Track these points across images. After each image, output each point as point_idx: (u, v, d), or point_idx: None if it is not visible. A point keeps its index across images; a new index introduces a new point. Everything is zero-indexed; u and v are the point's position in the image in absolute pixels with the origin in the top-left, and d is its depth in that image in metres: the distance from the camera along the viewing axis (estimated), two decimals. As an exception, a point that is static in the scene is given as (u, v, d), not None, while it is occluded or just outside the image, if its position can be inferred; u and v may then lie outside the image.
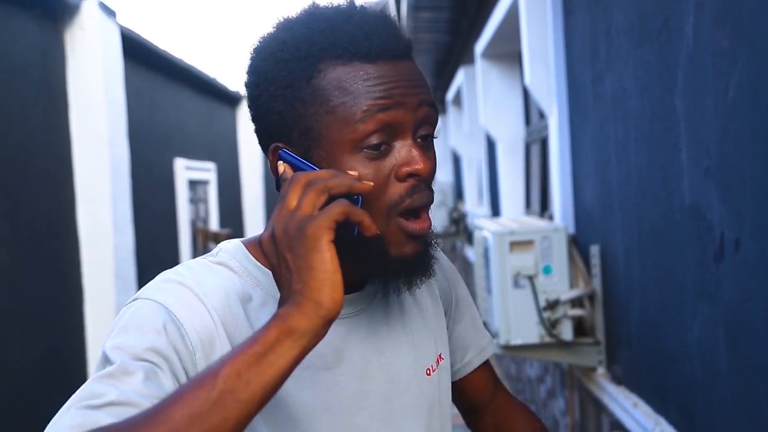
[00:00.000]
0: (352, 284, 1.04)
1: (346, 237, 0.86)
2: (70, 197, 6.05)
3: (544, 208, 5.03)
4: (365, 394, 1.03)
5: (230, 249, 1.03)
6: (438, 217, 10.26)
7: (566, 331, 3.01)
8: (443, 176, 13.80)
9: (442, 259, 1.27)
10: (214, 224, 10.66)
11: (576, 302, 3.03)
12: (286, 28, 0.98)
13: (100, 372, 0.85)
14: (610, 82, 2.72)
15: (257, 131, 1.02)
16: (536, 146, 5.36)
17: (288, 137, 0.96)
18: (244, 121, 12.86)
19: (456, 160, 11.34)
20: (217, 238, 10.01)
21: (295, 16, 0.99)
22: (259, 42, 1.00)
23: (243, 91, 1.03)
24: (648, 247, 2.41)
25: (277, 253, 0.84)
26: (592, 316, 3.01)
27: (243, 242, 1.05)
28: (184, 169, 9.12)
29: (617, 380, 2.85)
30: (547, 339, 3.01)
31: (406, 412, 1.07)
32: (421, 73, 0.99)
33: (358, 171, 0.91)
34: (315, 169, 0.92)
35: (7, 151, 5.19)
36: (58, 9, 5.99)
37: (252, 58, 1.00)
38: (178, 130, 9.17)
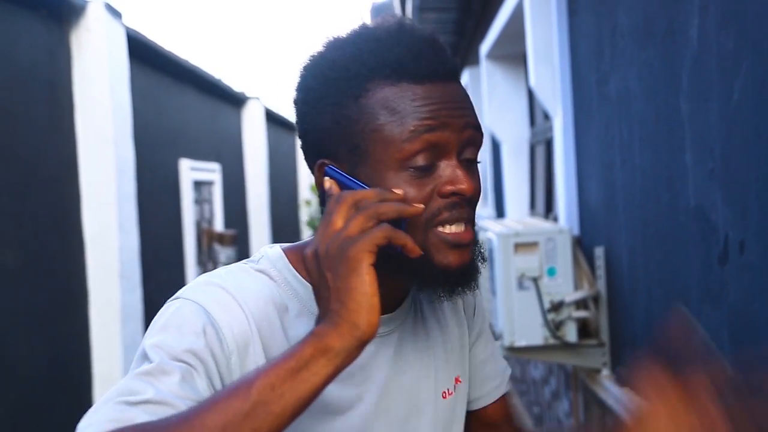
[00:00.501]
0: (386, 305, 1.04)
1: (389, 252, 0.87)
2: (75, 198, 6.06)
3: (549, 210, 5.03)
4: (385, 413, 1.05)
5: (272, 257, 1.05)
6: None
7: (570, 333, 3.01)
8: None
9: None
10: (218, 225, 10.67)
11: (580, 304, 3.03)
12: (336, 47, 0.99)
13: (139, 369, 0.87)
14: (614, 84, 2.72)
15: (304, 147, 1.03)
16: (541, 147, 5.36)
17: (334, 154, 0.97)
18: (249, 121, 12.88)
19: (461, 161, 11.31)
20: (222, 239, 10.02)
21: (345, 35, 1.01)
22: (309, 60, 1.01)
23: (292, 108, 1.05)
24: (652, 249, 2.41)
25: (318, 271, 0.85)
26: (596, 318, 3.01)
27: (285, 250, 1.06)
28: (189, 170, 9.13)
29: (621, 382, 2.85)
30: (552, 341, 3.01)
31: None
32: (467, 95, 1.00)
33: (403, 189, 0.92)
34: (362, 186, 0.93)
35: (12, 152, 5.20)
36: (64, 10, 6.01)
37: (302, 76, 1.01)
38: (183, 130, 9.18)
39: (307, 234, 17.14)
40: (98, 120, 6.14)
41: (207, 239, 9.94)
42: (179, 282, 8.58)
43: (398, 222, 0.89)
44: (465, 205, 0.96)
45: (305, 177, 17.87)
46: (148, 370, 0.86)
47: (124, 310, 6.21)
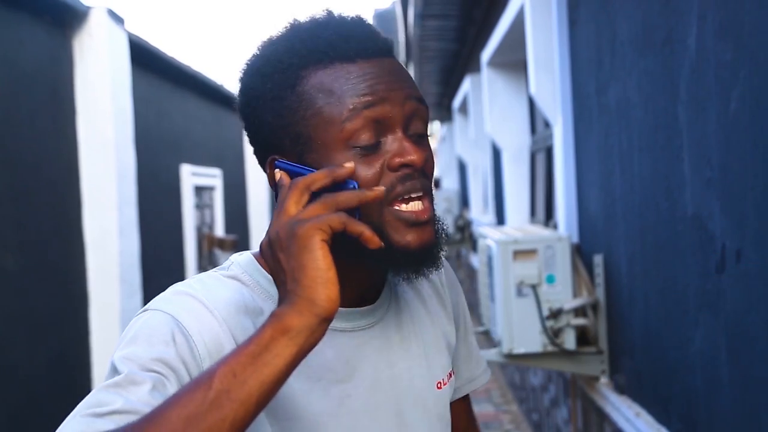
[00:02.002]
0: (365, 297, 1.05)
1: (346, 238, 0.85)
2: (76, 202, 6.07)
3: (549, 217, 5.04)
4: (376, 406, 1.03)
5: (242, 262, 1.03)
6: (443, 225, 10.23)
7: (569, 340, 3.02)
8: (449, 183, 13.80)
9: (450, 276, 1.25)
10: (219, 230, 10.68)
11: (579, 311, 3.03)
12: (269, 44, 1.00)
13: (107, 381, 0.85)
14: (614, 92, 2.73)
15: (255, 151, 1.02)
16: (541, 155, 5.37)
17: (281, 148, 0.97)
18: (251, 127, 12.88)
19: (462, 168, 11.34)
20: (223, 244, 10.02)
21: (276, 33, 1.01)
22: (246, 63, 1.02)
23: (238, 117, 1.05)
24: (650, 257, 2.42)
25: (273, 257, 0.84)
26: (595, 326, 3.02)
27: (254, 255, 1.05)
28: (190, 175, 9.14)
29: (620, 389, 2.85)
30: (550, 348, 3.02)
31: (417, 426, 1.07)
32: (405, 69, 1.00)
33: None
34: (311, 172, 0.92)
35: (14, 157, 5.21)
36: (66, 16, 6.03)
37: (240, 80, 1.02)
38: (185, 136, 9.19)
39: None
40: (100, 125, 6.15)
41: (208, 244, 9.94)
42: (179, 287, 8.57)
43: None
44: (419, 176, 0.95)
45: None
46: (116, 382, 0.84)
47: (124, 314, 6.21)
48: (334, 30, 0.96)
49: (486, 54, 5.99)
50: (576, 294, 3.06)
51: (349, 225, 0.82)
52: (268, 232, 0.87)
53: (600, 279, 2.99)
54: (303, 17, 1.02)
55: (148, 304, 0.97)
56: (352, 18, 1.00)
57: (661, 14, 2.20)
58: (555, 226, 4.23)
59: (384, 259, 0.94)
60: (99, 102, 6.14)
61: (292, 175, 0.94)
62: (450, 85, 10.90)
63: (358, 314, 1.03)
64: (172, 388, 0.86)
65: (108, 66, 6.18)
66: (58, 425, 0.82)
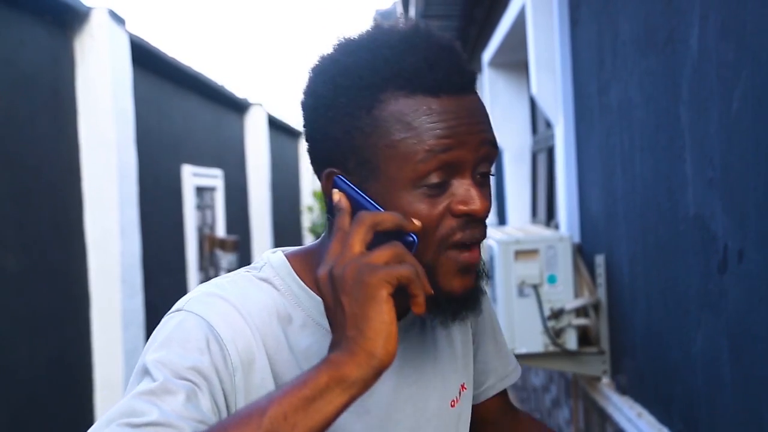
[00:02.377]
0: None
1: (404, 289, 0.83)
2: (77, 203, 6.08)
3: (551, 217, 5.03)
4: (394, 423, 1.03)
5: (275, 264, 1.01)
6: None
7: (571, 341, 3.01)
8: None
9: None
10: (220, 231, 10.68)
11: (581, 311, 3.03)
12: (348, 52, 0.95)
13: (142, 388, 0.84)
14: (615, 92, 2.73)
15: (311, 152, 0.99)
16: (543, 155, 5.37)
17: (344, 164, 0.93)
18: (252, 127, 12.90)
19: (463, 169, 11.33)
20: (224, 245, 10.02)
21: (357, 38, 0.96)
22: (319, 62, 0.97)
23: (299, 112, 1.01)
24: (652, 257, 2.42)
25: (333, 295, 0.82)
26: (596, 326, 3.01)
27: (288, 256, 1.03)
28: (192, 176, 9.14)
29: (621, 390, 2.85)
30: (552, 348, 3.01)
31: None
32: (484, 108, 0.96)
33: (415, 207, 0.89)
34: (372, 204, 0.90)
35: (15, 157, 5.22)
36: (67, 16, 6.03)
37: (311, 80, 0.97)
38: (186, 136, 9.20)
39: (308, 240, 17.13)
40: (101, 125, 6.15)
41: (209, 245, 9.94)
42: (181, 287, 8.59)
43: (409, 242, 0.87)
44: (478, 225, 0.93)
45: (307, 183, 17.88)
46: (151, 390, 0.83)
47: (125, 315, 6.21)
48: (422, 55, 0.90)
49: (487, 54, 5.99)
50: (577, 294, 3.06)
51: (413, 284, 0.80)
52: (331, 266, 0.83)
53: (601, 279, 2.98)
54: (390, 27, 0.96)
55: (180, 302, 0.95)
56: (443, 43, 0.94)
57: (663, 14, 2.20)
58: (556, 226, 4.22)
59: (429, 300, 0.90)
60: (100, 102, 6.15)
61: (351, 199, 0.91)
62: (451, 85, 10.88)
63: None
64: (204, 399, 0.85)
65: (109, 66, 6.18)
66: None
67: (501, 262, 3.04)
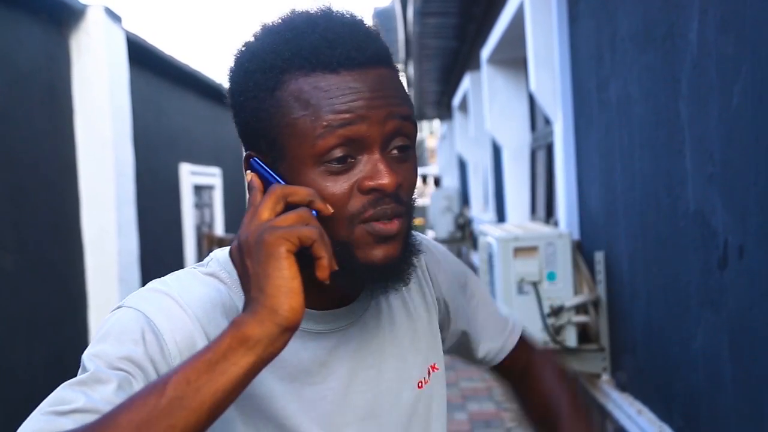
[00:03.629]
0: (341, 299, 1.03)
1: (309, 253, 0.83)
2: (74, 202, 6.06)
3: (550, 214, 5.03)
4: (352, 408, 1.02)
5: (221, 259, 1.01)
6: (444, 223, 10.26)
7: (570, 338, 3.00)
8: (449, 181, 13.80)
9: (438, 253, 1.23)
10: (219, 229, 10.67)
11: (580, 309, 3.02)
12: (258, 36, 0.96)
13: (74, 379, 0.84)
14: (615, 89, 2.72)
15: (241, 140, 1.00)
16: (542, 152, 5.36)
17: (258, 147, 0.94)
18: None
19: (462, 166, 11.34)
20: (222, 243, 10.01)
21: (270, 23, 0.97)
22: (237, 50, 0.98)
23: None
24: (652, 254, 2.40)
25: (240, 260, 0.82)
26: (596, 323, 3.00)
27: None
28: (190, 174, 9.13)
29: (622, 387, 2.84)
30: (552, 345, 3.00)
31: (394, 427, 1.05)
32: (395, 80, 0.94)
33: (319, 184, 0.89)
34: (280, 182, 0.90)
35: (12, 156, 5.20)
36: (63, 14, 6.01)
37: (230, 67, 0.98)
38: (184, 134, 9.18)
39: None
40: (98, 123, 6.14)
41: (207, 243, 9.94)
42: (179, 286, 8.58)
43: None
44: (391, 200, 0.91)
45: (306, 181, 17.89)
46: (81, 380, 0.83)
47: (123, 314, 6.21)
48: (321, 33, 0.90)
49: (486, 51, 5.98)
50: (577, 291, 3.05)
51: (316, 245, 0.80)
52: (238, 234, 0.84)
53: (601, 276, 2.97)
54: (300, 10, 0.97)
55: (123, 300, 0.96)
56: (346, 20, 0.94)
57: (661, 9, 2.18)
58: (556, 223, 4.21)
59: (346, 277, 0.91)
60: (97, 100, 6.13)
61: (262, 178, 0.92)
62: (450, 82, 10.89)
63: (334, 316, 1.01)
64: (138, 387, 0.84)
65: (105, 64, 6.17)
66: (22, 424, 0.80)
67: (500, 259, 3.03)
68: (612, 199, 2.82)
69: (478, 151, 8.73)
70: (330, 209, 0.87)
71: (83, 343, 6.05)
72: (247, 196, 0.93)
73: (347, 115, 0.88)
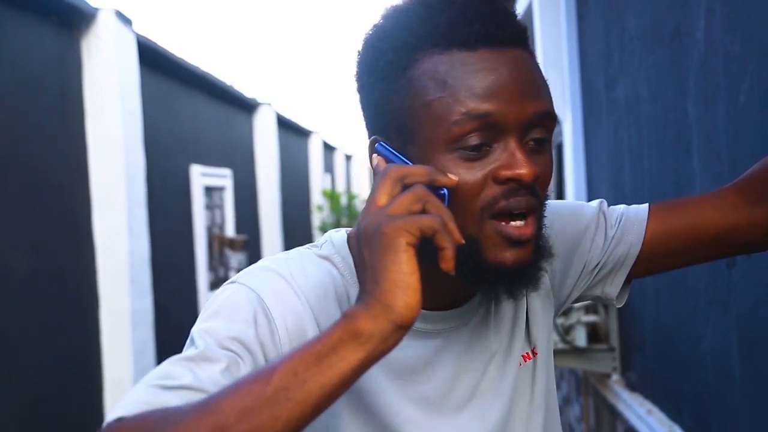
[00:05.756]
0: (454, 300, 0.99)
1: (432, 244, 0.77)
2: (85, 204, 6.08)
3: (559, 214, 5.01)
4: (453, 410, 0.98)
5: (336, 241, 0.98)
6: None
7: (580, 338, 3.00)
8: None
9: (557, 224, 1.09)
10: (230, 230, 10.69)
11: (590, 308, 3.01)
12: (388, 16, 0.92)
13: (183, 354, 0.82)
14: (623, 88, 2.71)
15: (365, 126, 0.96)
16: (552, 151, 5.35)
17: (386, 131, 0.90)
18: (261, 127, 12.91)
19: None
20: (233, 245, 10.03)
21: (401, 3, 0.92)
22: (365, 33, 0.94)
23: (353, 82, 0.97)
24: (661, 253, 2.40)
25: (357, 249, 0.78)
26: (606, 323, 3.00)
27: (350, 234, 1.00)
28: (200, 176, 9.15)
29: (631, 387, 2.83)
30: (561, 345, 3.00)
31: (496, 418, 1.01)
32: (535, 65, 0.88)
33: (452, 171, 0.84)
34: (408, 164, 0.85)
35: (23, 158, 5.23)
36: (74, 17, 6.03)
37: (357, 50, 0.94)
38: (194, 136, 9.20)
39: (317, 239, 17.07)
40: (109, 126, 6.16)
41: (218, 245, 9.96)
42: (190, 288, 8.60)
43: (441, 198, 0.81)
44: (525, 192, 0.85)
45: (317, 182, 17.89)
46: (191, 356, 0.81)
47: (134, 315, 6.22)
48: (459, 9, 0.85)
49: (494, 51, 5.97)
50: (586, 291, 3.04)
51: (439, 235, 0.74)
52: (357, 222, 0.79)
53: (610, 276, 2.96)
54: None
55: (236, 276, 0.94)
56: None
57: (669, 8, 2.18)
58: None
59: (471, 275, 0.87)
60: (107, 103, 6.15)
61: (389, 162, 0.87)
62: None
63: (445, 316, 0.98)
64: (246, 370, 0.82)
65: (116, 67, 6.19)
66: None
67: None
68: (621, 198, 2.81)
69: (488, 151, 8.71)
70: (454, 178, 0.82)
71: (94, 345, 6.08)
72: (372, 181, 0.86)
73: (488, 99, 0.83)
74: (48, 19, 5.65)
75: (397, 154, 0.88)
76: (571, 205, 1.14)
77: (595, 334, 3.05)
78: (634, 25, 2.53)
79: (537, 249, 0.89)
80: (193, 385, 0.78)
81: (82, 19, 6.11)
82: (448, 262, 0.75)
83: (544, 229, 0.92)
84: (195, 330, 0.86)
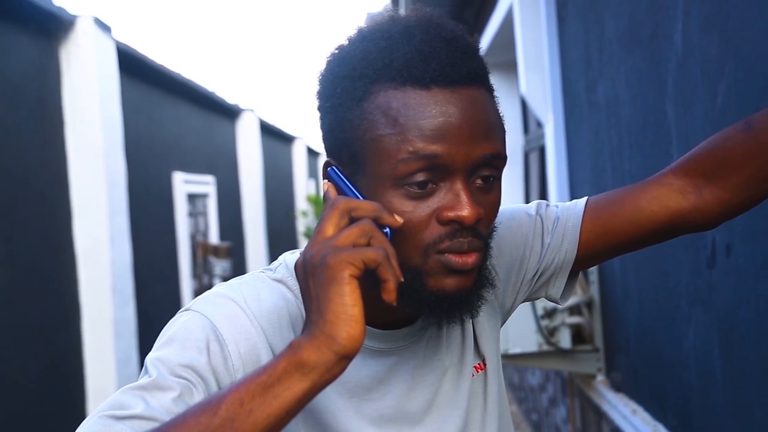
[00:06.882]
0: (406, 318, 1.00)
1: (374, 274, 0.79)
2: (66, 212, 6.05)
3: (542, 216, 5.02)
4: (408, 424, 1.00)
5: (290, 264, 0.99)
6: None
7: (565, 339, 3.00)
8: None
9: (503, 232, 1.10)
10: (214, 238, 10.66)
11: (574, 310, 3.02)
12: (352, 41, 0.92)
13: (135, 383, 0.83)
14: (603, 90, 2.72)
15: (323, 145, 0.96)
16: (535, 154, 5.36)
17: (339, 156, 0.90)
18: (244, 133, 12.88)
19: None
20: (217, 252, 10.00)
21: (365, 29, 0.92)
22: (330, 54, 0.94)
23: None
24: (643, 254, 2.41)
25: (303, 279, 0.79)
26: (590, 324, 3.00)
27: None
28: (183, 183, 9.12)
29: (616, 387, 2.84)
30: (546, 347, 3.00)
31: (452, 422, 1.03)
32: (488, 105, 0.88)
33: (396, 206, 0.85)
34: (357, 195, 0.87)
35: (2, 168, 5.19)
36: (53, 25, 6.00)
37: (320, 71, 0.94)
38: (177, 143, 9.17)
39: (304, 245, 17.09)
40: (88, 134, 6.13)
41: (202, 252, 9.92)
42: (174, 295, 8.56)
43: (385, 234, 0.82)
44: (468, 234, 0.86)
45: (302, 188, 17.87)
46: (143, 385, 0.82)
47: (116, 324, 6.19)
48: (417, 45, 0.85)
49: (476, 54, 5.98)
50: (569, 293, 3.04)
51: (382, 267, 0.76)
52: (304, 251, 0.80)
53: (594, 277, 2.97)
54: (399, 17, 0.91)
55: (191, 303, 0.94)
56: (444, 33, 0.88)
57: (647, 10, 2.19)
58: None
59: (413, 302, 0.88)
60: (87, 111, 6.12)
61: (339, 190, 0.88)
62: (441, 86, 10.89)
63: (397, 335, 0.99)
64: (198, 397, 0.83)
65: (96, 74, 6.16)
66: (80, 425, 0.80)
67: (492, 262, 3.03)
68: (602, 200, 2.82)
69: (471, 155, 8.73)
70: (399, 220, 0.83)
71: (77, 355, 6.04)
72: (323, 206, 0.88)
73: (436, 140, 0.83)
74: (26, 26, 5.62)
75: (347, 182, 0.88)
76: (510, 212, 1.14)
77: (579, 335, 3.06)
78: (613, 27, 2.55)
79: (479, 278, 0.91)
80: (144, 414, 0.79)
81: (61, 27, 6.08)
82: (390, 294, 0.76)
83: (488, 261, 0.93)
84: (148, 358, 0.87)
